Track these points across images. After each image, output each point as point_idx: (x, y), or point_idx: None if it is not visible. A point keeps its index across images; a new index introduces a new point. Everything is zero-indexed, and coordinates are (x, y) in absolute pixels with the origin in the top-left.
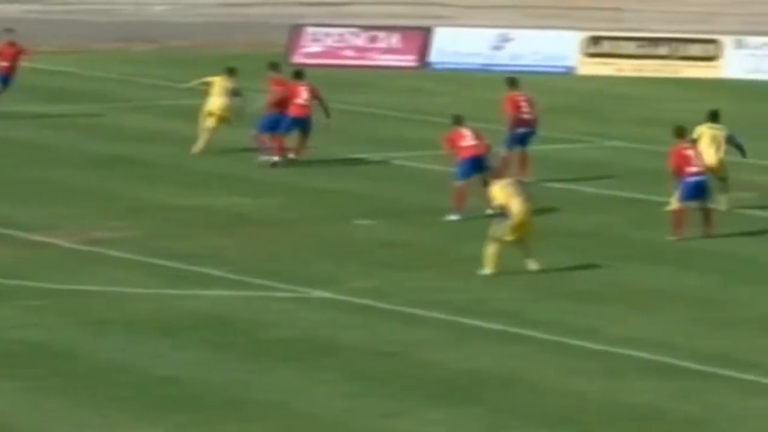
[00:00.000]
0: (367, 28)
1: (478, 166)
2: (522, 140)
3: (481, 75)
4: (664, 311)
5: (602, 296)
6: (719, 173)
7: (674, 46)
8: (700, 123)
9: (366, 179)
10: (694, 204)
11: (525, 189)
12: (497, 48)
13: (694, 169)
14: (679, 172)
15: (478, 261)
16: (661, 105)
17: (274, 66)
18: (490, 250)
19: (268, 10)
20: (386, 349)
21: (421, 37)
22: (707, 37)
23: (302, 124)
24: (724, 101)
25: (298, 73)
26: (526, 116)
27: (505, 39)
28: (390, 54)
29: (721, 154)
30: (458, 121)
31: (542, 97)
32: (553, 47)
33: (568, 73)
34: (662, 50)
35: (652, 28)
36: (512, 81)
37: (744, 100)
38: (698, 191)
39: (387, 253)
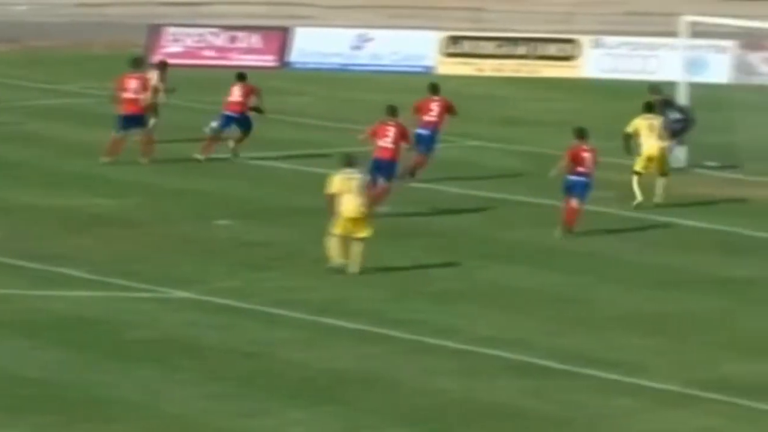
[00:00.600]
0: (227, 28)
1: (378, 168)
2: (419, 140)
3: (341, 75)
4: (525, 310)
5: (463, 296)
6: (661, 166)
7: (533, 46)
8: (559, 122)
9: (226, 179)
10: (572, 200)
11: (365, 187)
12: (357, 48)
13: (582, 169)
14: (569, 169)
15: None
16: (521, 105)
17: (136, 62)
18: (330, 243)
19: (128, 11)
20: (248, 349)
21: (280, 37)
22: (565, 37)
23: (236, 121)
24: (583, 100)
25: (241, 76)
26: (431, 119)
27: (365, 39)
28: (250, 54)
29: (663, 142)
30: (392, 112)
31: (402, 97)
32: (412, 47)
33: (427, 73)
34: (521, 50)
35: (511, 28)
36: (434, 87)
37: (601, 100)
38: (576, 188)
39: (247, 253)
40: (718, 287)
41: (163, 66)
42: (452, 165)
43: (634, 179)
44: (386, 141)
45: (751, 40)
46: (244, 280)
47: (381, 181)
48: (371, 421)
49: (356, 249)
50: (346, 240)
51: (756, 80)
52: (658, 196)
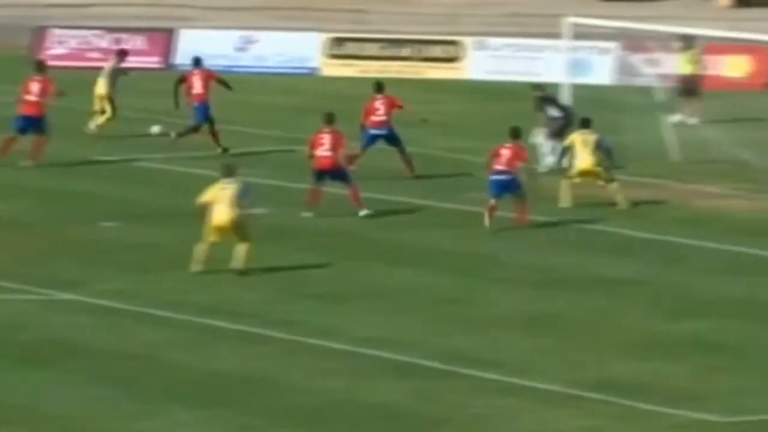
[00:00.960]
0: (111, 29)
1: (323, 177)
2: (374, 140)
3: (227, 76)
4: (408, 311)
5: (345, 296)
6: (598, 176)
7: (417, 48)
8: (443, 124)
9: (111, 181)
10: (499, 200)
11: (240, 197)
12: (241, 49)
13: (498, 167)
14: (488, 168)
15: (225, 262)
16: (405, 106)
17: (39, 66)
18: (199, 248)
19: (13, 12)
20: (133, 351)
21: (165, 39)
22: (449, 39)
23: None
24: (467, 102)
25: (197, 61)
26: (379, 118)
27: (249, 40)
28: (135, 56)
29: (595, 157)
30: (328, 119)
31: (287, 99)
32: (296, 49)
33: (312, 75)
34: (405, 52)
35: (395, 29)
36: (378, 86)
37: (485, 101)
38: (499, 188)
39: (134, 255)
40: (601, 287)
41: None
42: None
43: (563, 182)
44: (323, 149)
45: (632, 42)
46: (129, 282)
47: (343, 188)
48: (257, 422)
49: (241, 249)
50: (213, 247)
51: (638, 81)
52: (621, 202)
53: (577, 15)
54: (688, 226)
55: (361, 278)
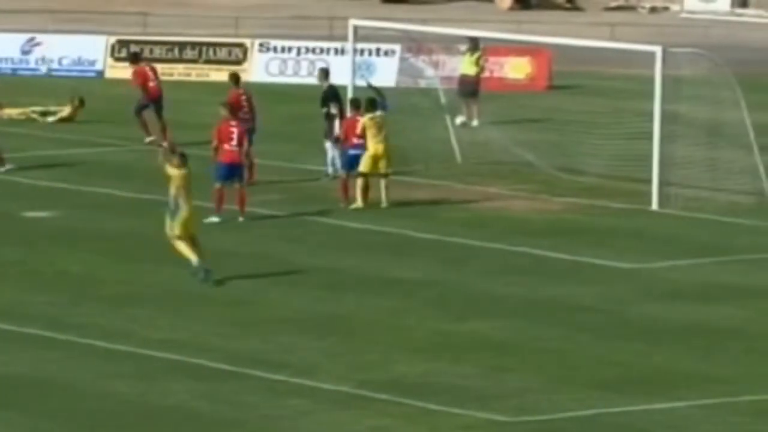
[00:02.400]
0: None
1: (232, 173)
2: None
3: (12, 79)
4: (197, 313)
5: (135, 299)
6: (386, 166)
7: (201, 50)
8: None
9: None
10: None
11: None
12: (26, 52)
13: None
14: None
15: (13, 265)
16: (191, 108)
17: None
18: (181, 248)
19: None
20: None
21: None
22: (234, 41)
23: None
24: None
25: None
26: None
27: (34, 43)
28: None
29: (386, 143)
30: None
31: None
32: (82, 51)
33: (97, 78)
34: (190, 54)
35: (179, 32)
36: (236, 77)
37: (270, 103)
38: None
39: None
40: (387, 288)
41: None
42: (122, 168)
43: (358, 182)
44: (232, 143)
45: (415, 44)
46: None
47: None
48: (47, 426)
49: (197, 243)
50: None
51: (421, 83)
52: (384, 200)
53: (360, 17)
54: (471, 227)
55: (149, 281)
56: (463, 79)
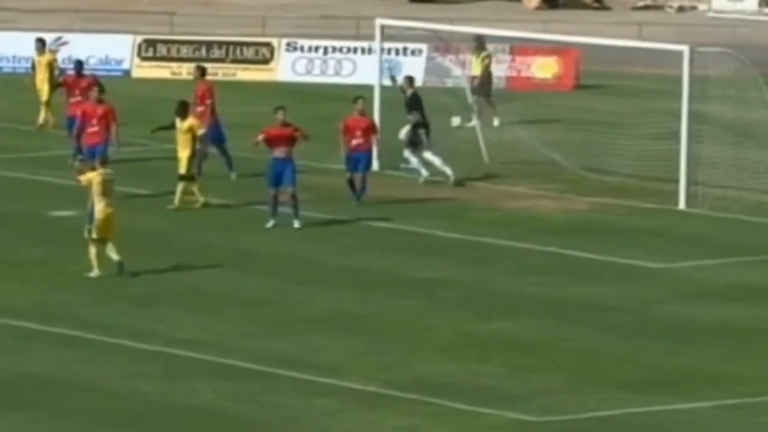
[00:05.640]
0: None
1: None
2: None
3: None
4: (222, 313)
5: (159, 298)
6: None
7: (229, 50)
8: (255, 126)
9: None
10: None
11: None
12: (54, 52)
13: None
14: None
15: (38, 265)
16: (219, 108)
17: None
18: (92, 252)
19: None
20: None
21: None
22: (261, 41)
23: None
24: (278, 103)
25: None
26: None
27: (61, 42)
28: None
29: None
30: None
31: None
32: (108, 51)
33: (124, 77)
34: (217, 53)
35: (206, 32)
36: (202, 70)
37: (297, 103)
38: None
39: None
40: (413, 288)
41: None
42: (148, 168)
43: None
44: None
45: (442, 43)
46: None
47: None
48: (72, 425)
49: (109, 249)
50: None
51: (448, 83)
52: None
53: (386, 17)
54: (497, 227)
55: (173, 280)
56: (472, 80)
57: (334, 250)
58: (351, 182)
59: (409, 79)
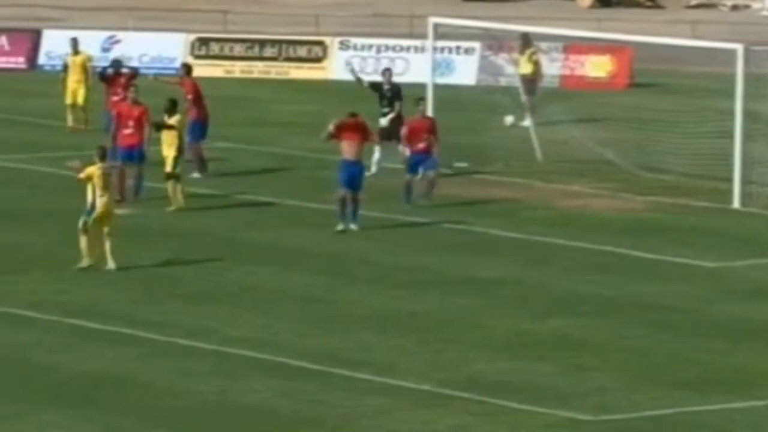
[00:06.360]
0: None
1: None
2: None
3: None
4: (275, 311)
5: (213, 296)
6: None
7: (281, 48)
8: (308, 124)
9: None
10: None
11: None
12: (106, 50)
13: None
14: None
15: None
16: (271, 106)
17: None
18: (83, 242)
19: None
20: (0, 353)
21: (30, 39)
22: (314, 39)
23: None
24: (331, 102)
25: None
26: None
27: (114, 41)
28: None
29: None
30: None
31: (152, 99)
32: (161, 49)
33: (177, 75)
34: (270, 52)
35: (259, 30)
36: (188, 67)
37: (349, 101)
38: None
39: None
40: (468, 287)
41: None
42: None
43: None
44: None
45: (495, 42)
46: None
47: None
48: (127, 424)
49: (108, 244)
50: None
51: (502, 81)
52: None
53: (439, 15)
54: (552, 226)
55: (227, 278)
56: (522, 79)
57: (388, 249)
58: (409, 185)
59: (389, 72)
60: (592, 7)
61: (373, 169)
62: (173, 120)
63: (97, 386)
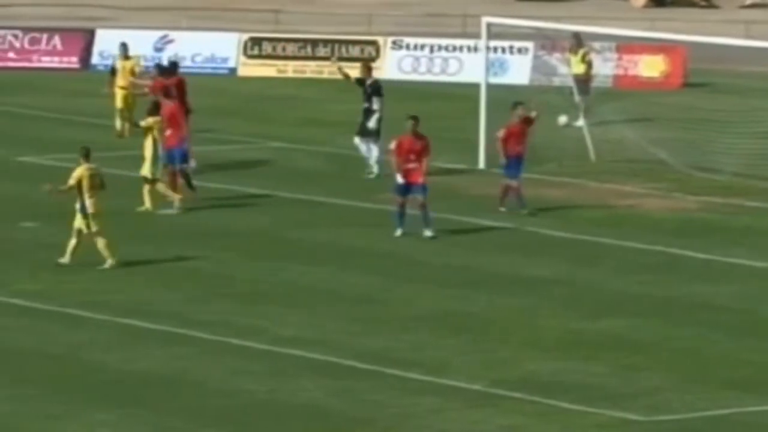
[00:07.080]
0: (27, 29)
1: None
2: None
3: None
4: (327, 311)
5: (265, 296)
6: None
7: (334, 48)
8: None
9: (29, 181)
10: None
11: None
12: (159, 50)
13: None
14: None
15: (138, 263)
16: (323, 106)
17: None
18: (72, 243)
19: None
20: (52, 352)
21: (83, 39)
22: (366, 39)
23: None
24: (384, 102)
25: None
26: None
27: (167, 40)
28: (52, 56)
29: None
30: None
31: (206, 99)
32: (214, 49)
33: (230, 75)
34: (322, 52)
35: (311, 29)
36: (175, 64)
37: (402, 101)
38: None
39: (51, 255)
40: (519, 287)
41: None
42: (253, 166)
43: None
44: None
45: (548, 42)
46: (47, 283)
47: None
48: (178, 423)
49: (101, 243)
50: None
51: (555, 81)
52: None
53: (492, 15)
54: (605, 226)
55: (279, 278)
56: (575, 79)
57: (440, 249)
58: (507, 190)
59: (368, 68)
60: (645, 6)
61: (375, 170)
62: (150, 121)
63: (147, 385)
